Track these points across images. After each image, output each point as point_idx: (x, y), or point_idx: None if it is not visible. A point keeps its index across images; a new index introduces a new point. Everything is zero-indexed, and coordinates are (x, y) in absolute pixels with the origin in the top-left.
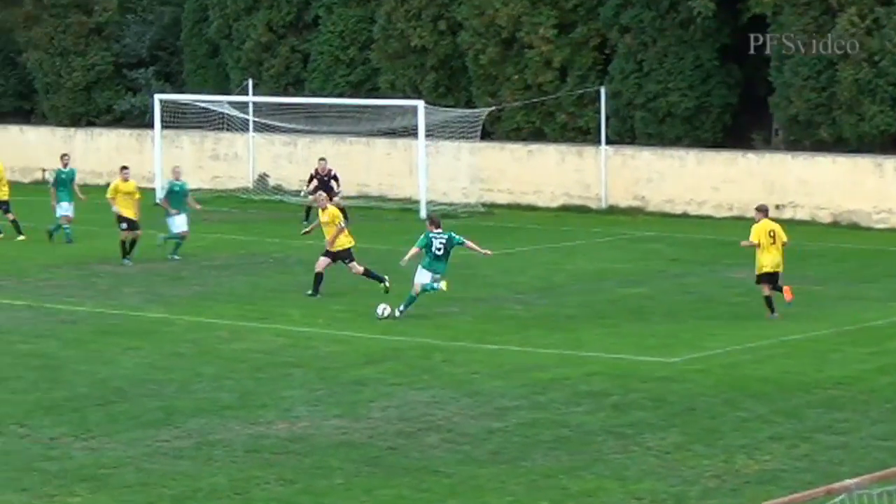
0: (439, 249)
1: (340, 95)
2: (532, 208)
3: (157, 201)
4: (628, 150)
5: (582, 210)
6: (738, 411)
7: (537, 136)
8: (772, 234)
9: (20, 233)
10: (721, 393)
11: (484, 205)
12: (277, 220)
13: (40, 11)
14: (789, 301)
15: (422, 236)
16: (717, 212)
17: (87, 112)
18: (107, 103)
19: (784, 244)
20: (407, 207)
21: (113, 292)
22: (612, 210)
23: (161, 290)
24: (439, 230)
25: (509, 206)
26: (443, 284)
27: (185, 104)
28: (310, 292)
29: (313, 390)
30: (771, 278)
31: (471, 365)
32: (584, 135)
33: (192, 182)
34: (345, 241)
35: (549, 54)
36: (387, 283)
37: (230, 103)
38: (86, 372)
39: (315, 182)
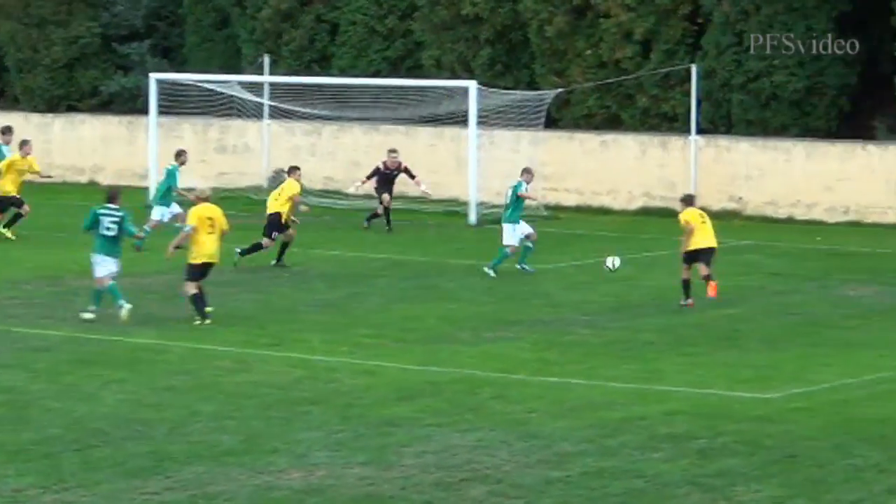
0: (109, 229)
1: (375, 75)
2: (605, 211)
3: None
4: (723, 141)
5: (666, 213)
6: (849, 459)
7: (613, 123)
8: (702, 215)
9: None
10: (829, 436)
11: (548, 207)
12: (297, 226)
13: None
14: (712, 297)
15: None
16: (829, 216)
17: (67, 95)
18: (92, 84)
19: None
20: (453, 210)
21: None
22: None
23: (152, 310)
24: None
25: (578, 209)
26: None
27: (187, 85)
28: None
29: (334, 432)
30: (701, 255)
31: (526, 402)
32: (671, 122)
33: (193, 179)
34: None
35: (628, 25)
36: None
37: (241, 84)
38: (59, 410)
39: (374, 179)
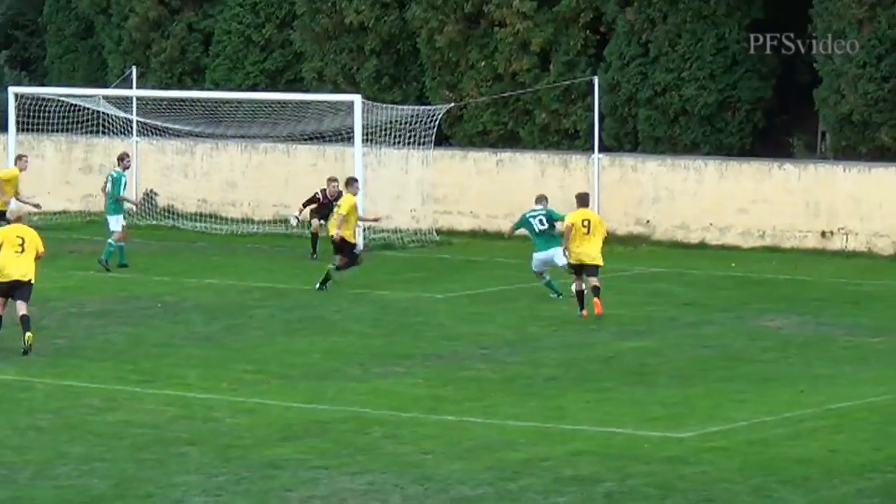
0: None
1: (252, 89)
2: (502, 236)
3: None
4: (629, 160)
5: None
6: (769, 502)
7: (510, 141)
8: (586, 223)
9: None
10: (748, 478)
11: (439, 232)
12: (168, 251)
13: None
14: (598, 315)
15: None
16: (744, 240)
17: None
18: None
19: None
20: None
21: None
22: (607, 238)
23: (12, 343)
24: None
25: (473, 234)
26: None
27: (49, 100)
28: None
29: (213, 475)
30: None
31: (420, 442)
32: (572, 139)
33: (58, 202)
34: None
35: (525, 34)
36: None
37: (107, 98)
38: None
39: (310, 207)
